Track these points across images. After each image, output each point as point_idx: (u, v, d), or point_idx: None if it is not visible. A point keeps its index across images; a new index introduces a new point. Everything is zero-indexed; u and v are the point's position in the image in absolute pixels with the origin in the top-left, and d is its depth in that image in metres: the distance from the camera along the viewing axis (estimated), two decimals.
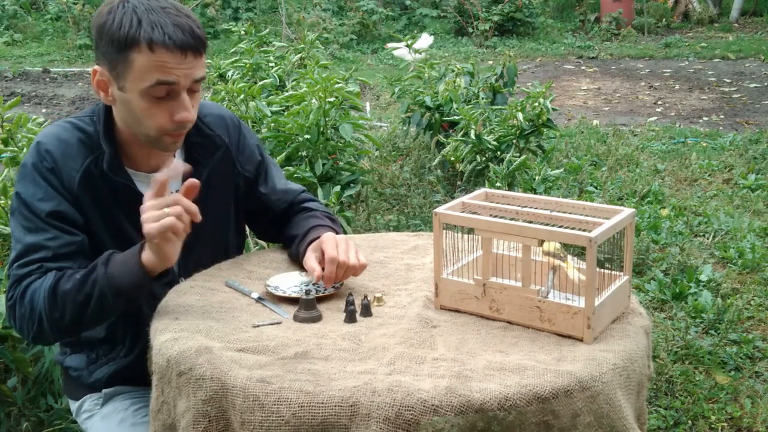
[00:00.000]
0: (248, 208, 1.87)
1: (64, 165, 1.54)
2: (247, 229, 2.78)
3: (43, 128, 1.67)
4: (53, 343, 1.95)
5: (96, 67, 1.53)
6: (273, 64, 4.35)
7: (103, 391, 1.73)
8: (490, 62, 9.70)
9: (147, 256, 1.45)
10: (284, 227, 1.84)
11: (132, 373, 1.68)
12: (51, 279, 1.49)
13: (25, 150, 2.40)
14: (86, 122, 1.60)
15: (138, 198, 1.51)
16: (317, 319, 1.50)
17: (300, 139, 3.08)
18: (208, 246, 1.76)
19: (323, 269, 1.58)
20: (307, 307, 1.50)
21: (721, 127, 6.82)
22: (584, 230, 1.38)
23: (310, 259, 1.61)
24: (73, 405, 1.80)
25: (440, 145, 4.44)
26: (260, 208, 1.85)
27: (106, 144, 1.57)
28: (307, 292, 1.54)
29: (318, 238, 1.68)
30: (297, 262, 1.76)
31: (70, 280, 1.49)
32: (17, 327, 1.55)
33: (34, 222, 1.53)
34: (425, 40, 9.83)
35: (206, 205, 1.71)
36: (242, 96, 3.35)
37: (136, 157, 1.63)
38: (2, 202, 2.28)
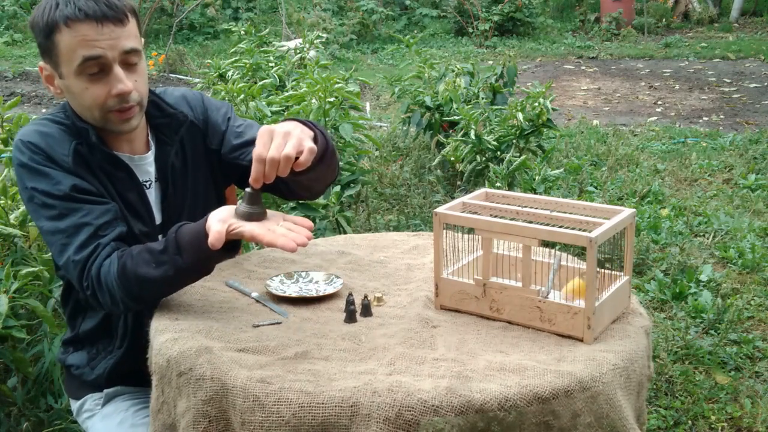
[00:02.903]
0: (230, 179, 1.83)
1: (53, 152, 1.55)
2: None
3: (20, 130, 1.67)
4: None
5: (40, 63, 1.58)
6: (273, 64, 4.36)
7: (104, 391, 1.73)
8: (490, 62, 9.70)
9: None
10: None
11: (129, 367, 1.68)
12: (115, 264, 1.48)
13: None
14: (60, 117, 1.62)
15: (124, 167, 1.63)
16: (260, 216, 1.38)
17: None
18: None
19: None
20: (250, 201, 1.38)
21: (721, 127, 6.82)
22: (584, 230, 1.37)
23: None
24: (74, 404, 1.80)
25: (440, 145, 4.43)
26: (235, 172, 1.78)
27: (84, 124, 1.59)
28: (254, 192, 1.38)
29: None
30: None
31: (141, 260, 1.46)
32: (107, 309, 1.57)
33: (61, 206, 1.52)
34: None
35: (185, 182, 1.72)
36: (242, 96, 3.35)
37: (108, 141, 1.64)
38: (2, 201, 2.27)
